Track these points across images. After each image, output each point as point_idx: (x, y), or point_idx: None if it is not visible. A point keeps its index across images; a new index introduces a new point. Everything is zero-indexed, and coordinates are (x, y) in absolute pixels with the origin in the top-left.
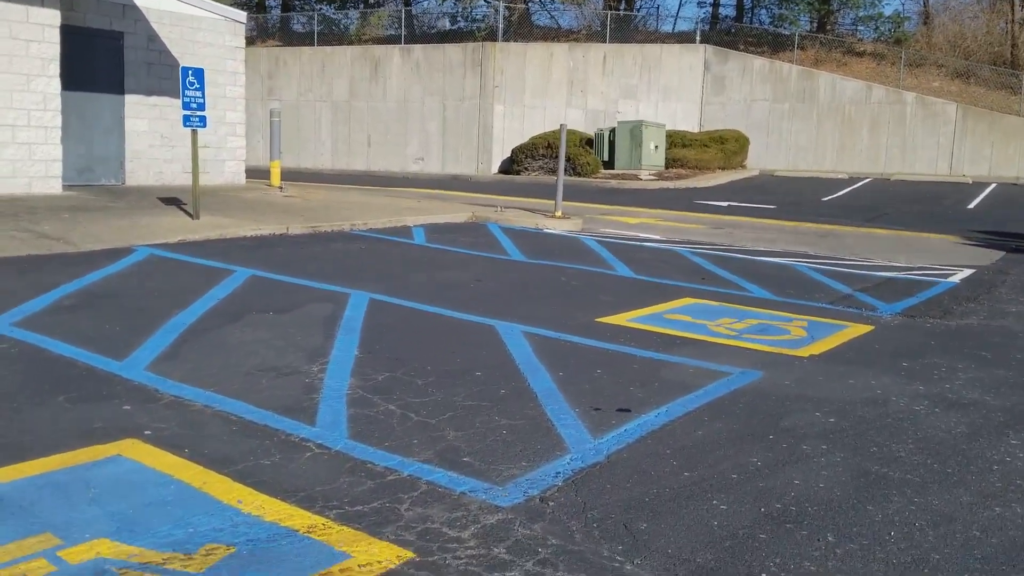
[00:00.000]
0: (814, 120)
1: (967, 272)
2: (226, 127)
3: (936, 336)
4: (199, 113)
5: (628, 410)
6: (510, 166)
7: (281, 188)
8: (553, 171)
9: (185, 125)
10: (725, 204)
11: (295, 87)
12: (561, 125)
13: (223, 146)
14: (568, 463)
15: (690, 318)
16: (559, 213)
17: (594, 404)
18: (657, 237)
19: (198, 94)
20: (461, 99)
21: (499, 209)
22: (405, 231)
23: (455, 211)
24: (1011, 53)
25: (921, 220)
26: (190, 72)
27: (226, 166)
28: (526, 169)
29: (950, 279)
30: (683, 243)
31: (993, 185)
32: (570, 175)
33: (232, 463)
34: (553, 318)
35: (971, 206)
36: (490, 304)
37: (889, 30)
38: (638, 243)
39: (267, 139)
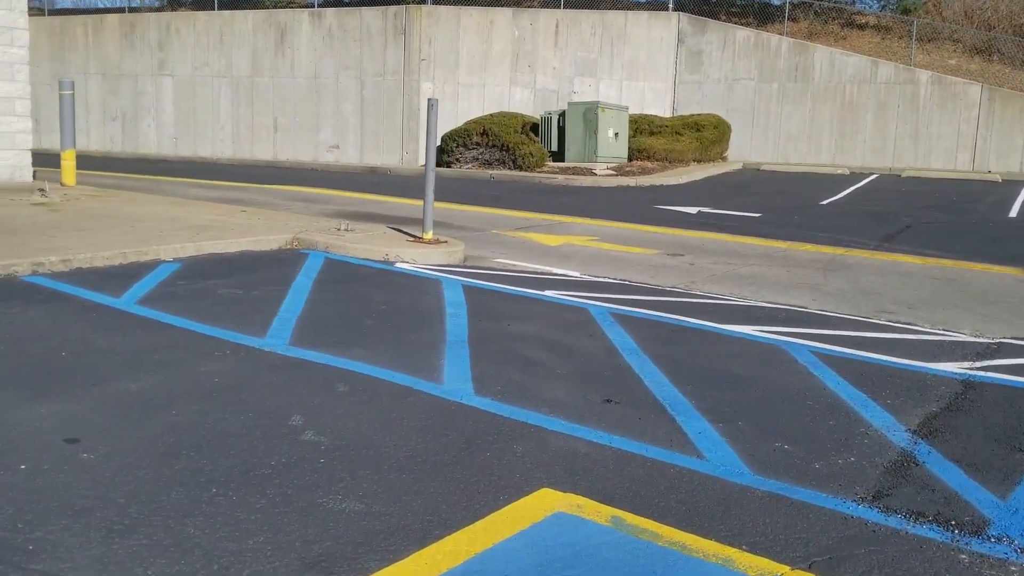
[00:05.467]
0: (808, 103)
1: None
2: None
3: None
4: None
5: None
6: (440, 156)
7: (43, 191)
8: (490, 163)
9: None
10: (694, 211)
11: (189, 60)
12: (429, 100)
13: None
14: None
15: None
16: (429, 235)
17: None
18: (575, 275)
19: None
20: (382, 75)
21: (341, 229)
22: (132, 275)
23: (274, 231)
24: None
25: (957, 237)
26: None
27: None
28: (458, 160)
29: None
30: (610, 290)
31: None
32: (509, 168)
33: None
34: None
35: (1013, 214)
36: None
37: None
38: (535, 294)
39: (159, 123)
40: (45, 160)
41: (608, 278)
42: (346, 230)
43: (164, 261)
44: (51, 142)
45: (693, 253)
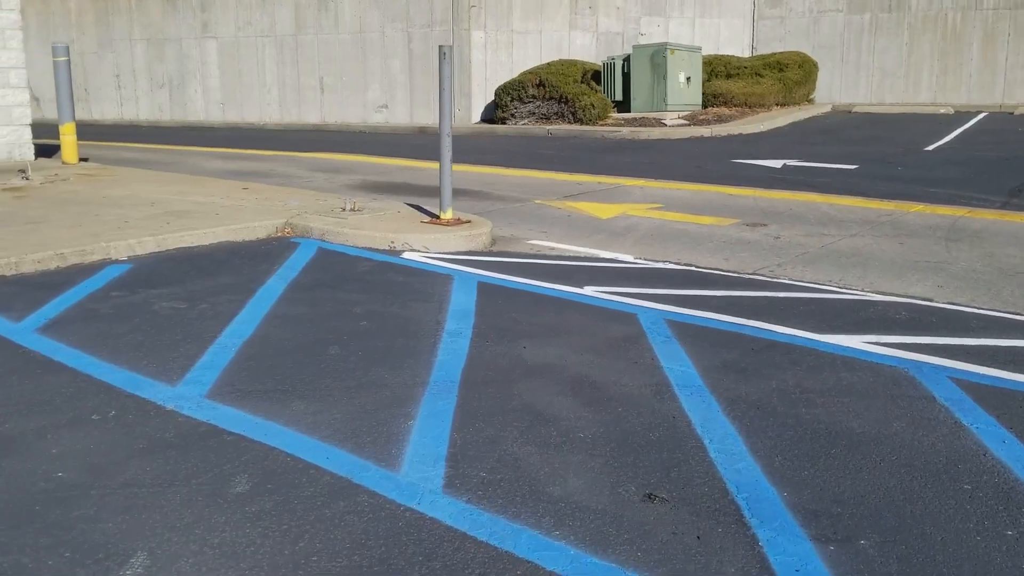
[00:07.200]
0: (904, 35)
1: None
2: None
3: None
4: None
5: None
6: (494, 112)
7: (24, 172)
8: (548, 117)
9: None
10: (779, 165)
11: (232, 20)
12: (440, 48)
13: None
14: None
15: None
16: (448, 214)
17: None
18: (627, 260)
19: None
20: (429, 25)
21: (346, 209)
22: (59, 284)
23: (264, 215)
24: None
25: None
26: None
27: None
28: (512, 116)
29: None
30: (670, 282)
31: None
32: (568, 122)
33: None
34: None
35: None
36: None
37: None
38: (569, 293)
39: (205, 88)
40: (89, 133)
41: (669, 263)
42: (351, 210)
43: (114, 261)
44: (100, 112)
45: (778, 221)
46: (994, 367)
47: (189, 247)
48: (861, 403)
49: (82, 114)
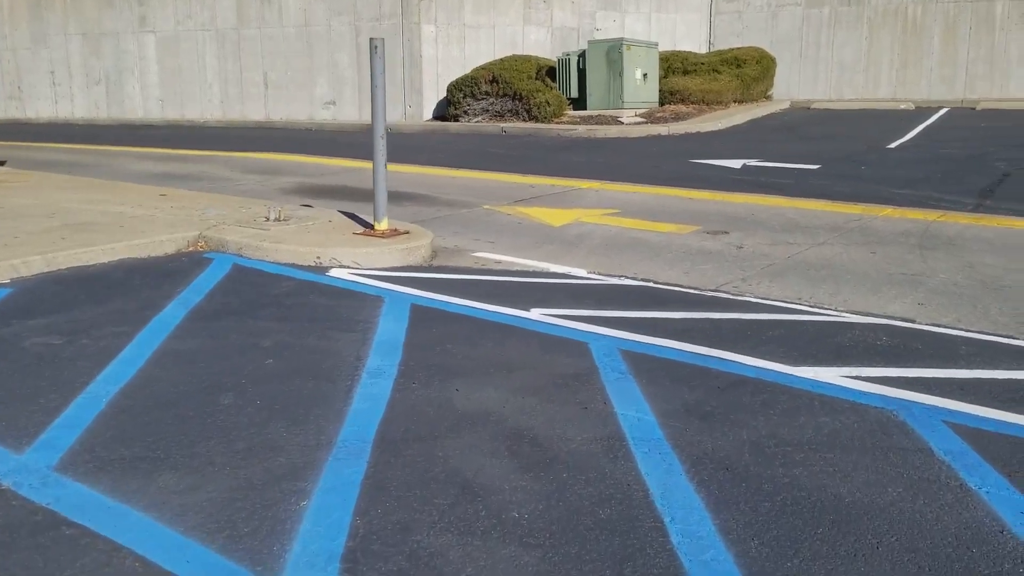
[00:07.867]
0: (864, 29)
1: None
2: None
3: None
4: None
5: None
6: (447, 109)
7: None
8: (502, 115)
9: None
10: (738, 165)
11: (171, 14)
12: (371, 41)
13: None
14: None
15: None
16: (383, 224)
17: None
18: (580, 275)
19: None
20: (378, 19)
21: (270, 219)
22: None
23: (177, 226)
24: None
25: None
26: None
27: None
28: (465, 113)
29: None
30: (626, 302)
31: None
32: (523, 120)
33: None
34: None
35: None
36: None
37: None
38: (514, 318)
39: (143, 85)
40: (20, 132)
41: (625, 278)
42: (276, 220)
43: None
44: (35, 111)
45: (741, 228)
46: (994, 407)
47: (84, 266)
48: (847, 459)
49: (16, 112)
